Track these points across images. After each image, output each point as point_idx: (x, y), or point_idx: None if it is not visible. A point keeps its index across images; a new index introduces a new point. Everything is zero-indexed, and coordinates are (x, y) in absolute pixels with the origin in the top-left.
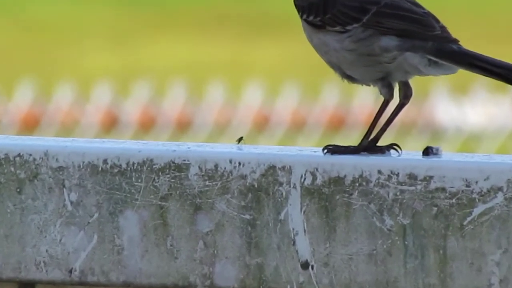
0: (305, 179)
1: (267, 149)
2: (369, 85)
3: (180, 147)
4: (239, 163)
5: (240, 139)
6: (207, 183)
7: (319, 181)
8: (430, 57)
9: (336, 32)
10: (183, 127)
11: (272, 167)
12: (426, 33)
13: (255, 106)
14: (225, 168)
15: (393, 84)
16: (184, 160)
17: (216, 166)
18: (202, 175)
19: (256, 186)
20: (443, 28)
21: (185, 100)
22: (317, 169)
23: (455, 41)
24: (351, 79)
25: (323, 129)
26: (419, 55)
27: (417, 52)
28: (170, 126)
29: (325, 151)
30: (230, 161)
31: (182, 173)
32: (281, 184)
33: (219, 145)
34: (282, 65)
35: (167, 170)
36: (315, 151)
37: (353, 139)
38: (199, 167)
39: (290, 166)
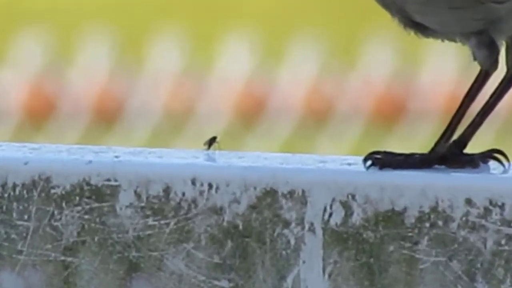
0: (331, 214)
1: (261, 158)
2: (454, 41)
3: (101, 155)
4: (210, 186)
5: (211, 141)
6: (150, 222)
7: (357, 218)
8: None
9: None
10: (105, 116)
11: (271, 193)
12: None
13: (239, 79)
14: (183, 194)
15: (498, 43)
16: (108, 180)
17: (167, 190)
18: (141, 208)
19: (240, 227)
20: None
21: (109, 67)
22: (353, 197)
23: None
24: (422, 29)
25: (365, 121)
26: None
27: None
28: (82, 113)
29: (369, 163)
30: (193, 182)
31: (105, 204)
32: (287, 224)
33: (173, 151)
34: (287, 5)
35: (77, 198)
36: (349, 163)
37: (419, 142)
38: (135, 192)
39: (303, 191)
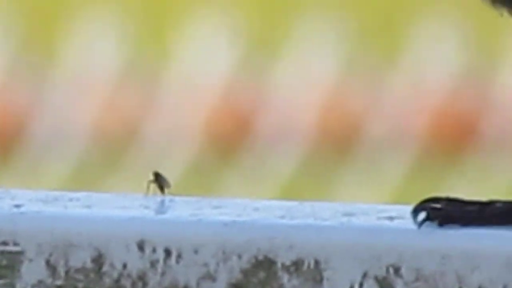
0: None
1: (249, 209)
2: None
3: None
4: (167, 253)
5: (157, 181)
6: None
7: None
8: None
9: None
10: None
11: (265, 264)
12: None
13: (212, 83)
14: (125, 266)
15: None
16: (4, 244)
17: (98, 260)
18: None
19: None
20: None
21: (3, 66)
22: (397, 271)
23: None
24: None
25: (414, 150)
26: None
27: None
28: None
29: (422, 216)
30: (141, 247)
31: None
32: None
33: (109, 197)
34: None
35: None
36: (390, 217)
37: (500, 183)
38: (47, 263)
39: (317, 262)
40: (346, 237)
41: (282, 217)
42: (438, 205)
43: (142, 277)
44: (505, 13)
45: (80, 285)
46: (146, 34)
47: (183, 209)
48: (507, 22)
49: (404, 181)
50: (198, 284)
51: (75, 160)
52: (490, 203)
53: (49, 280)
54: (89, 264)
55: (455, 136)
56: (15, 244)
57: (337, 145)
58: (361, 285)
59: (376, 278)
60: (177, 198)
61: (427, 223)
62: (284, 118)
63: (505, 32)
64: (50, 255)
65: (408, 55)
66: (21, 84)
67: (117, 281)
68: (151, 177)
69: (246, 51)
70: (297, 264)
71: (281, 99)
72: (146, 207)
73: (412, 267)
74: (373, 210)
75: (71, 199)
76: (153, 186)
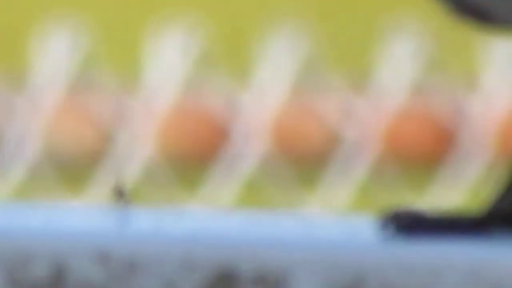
0: None
1: (211, 221)
2: None
3: None
4: (130, 266)
5: (119, 193)
6: None
7: None
8: None
9: None
10: None
11: (227, 278)
12: None
13: (166, 97)
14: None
15: None
16: None
17: (59, 273)
18: None
19: None
20: None
21: None
22: (363, 283)
23: None
24: (487, 18)
25: (377, 161)
26: None
27: None
28: None
29: (388, 228)
30: (102, 259)
31: None
32: None
33: (70, 207)
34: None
35: None
36: (355, 229)
37: (465, 194)
38: (9, 271)
39: (281, 276)
40: (310, 250)
41: (245, 229)
42: (404, 217)
43: None
44: (471, 25)
45: None
46: (106, 51)
47: (145, 221)
48: (469, 34)
49: (369, 193)
50: None
51: (30, 167)
52: (457, 215)
53: None
54: (49, 277)
55: (421, 146)
56: None
57: (300, 156)
58: None
59: None
60: (139, 210)
61: (393, 235)
62: (246, 126)
63: (464, 46)
64: (10, 267)
65: (372, 75)
66: None
67: None
68: (113, 189)
69: (203, 66)
70: (260, 277)
71: (241, 113)
72: (107, 219)
73: (378, 280)
74: (337, 222)
75: (31, 211)
76: (114, 198)
